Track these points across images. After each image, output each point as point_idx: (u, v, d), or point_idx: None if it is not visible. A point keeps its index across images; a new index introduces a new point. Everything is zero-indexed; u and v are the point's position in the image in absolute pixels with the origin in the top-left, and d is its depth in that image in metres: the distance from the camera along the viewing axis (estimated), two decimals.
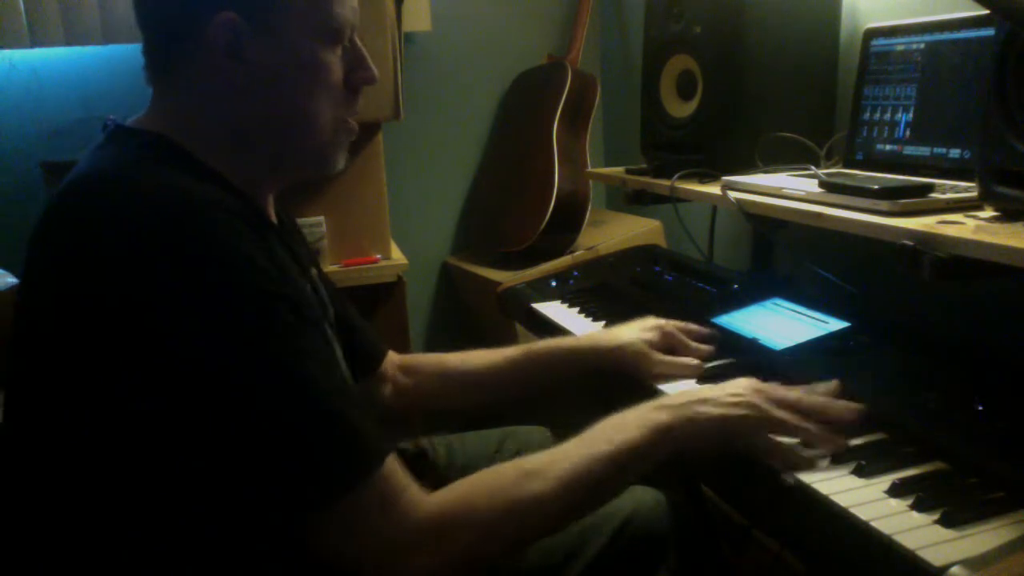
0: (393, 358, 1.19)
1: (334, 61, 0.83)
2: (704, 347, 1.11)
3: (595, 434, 0.83)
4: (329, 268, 1.80)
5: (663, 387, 1.05)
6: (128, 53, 1.78)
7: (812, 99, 1.39)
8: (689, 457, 0.87)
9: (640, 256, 1.63)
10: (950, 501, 0.73)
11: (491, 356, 1.17)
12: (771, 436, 0.85)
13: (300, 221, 1.74)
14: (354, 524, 0.70)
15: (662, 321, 1.15)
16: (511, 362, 1.15)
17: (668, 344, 1.12)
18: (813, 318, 1.14)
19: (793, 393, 0.88)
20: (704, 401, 0.86)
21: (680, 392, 0.91)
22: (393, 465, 0.73)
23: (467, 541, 0.74)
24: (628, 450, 0.81)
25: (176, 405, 0.68)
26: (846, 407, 0.87)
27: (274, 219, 0.91)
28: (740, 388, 0.88)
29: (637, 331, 1.13)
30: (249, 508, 0.72)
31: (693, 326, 1.16)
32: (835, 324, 1.11)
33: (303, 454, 0.69)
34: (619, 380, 1.13)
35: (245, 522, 0.73)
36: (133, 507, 0.72)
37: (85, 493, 0.72)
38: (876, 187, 0.99)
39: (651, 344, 1.11)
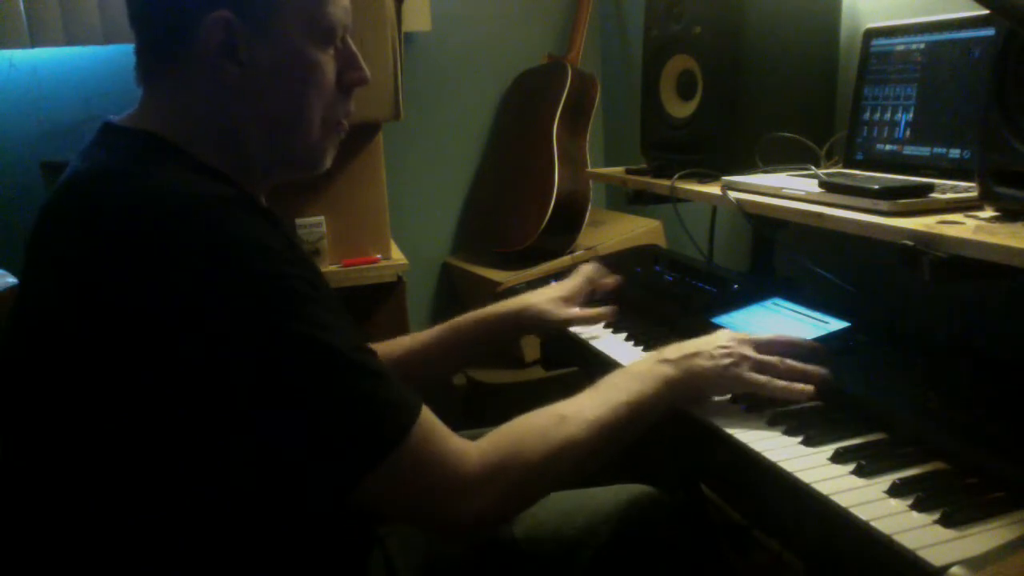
0: None
1: (326, 61, 0.83)
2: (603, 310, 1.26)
3: (612, 384, 0.91)
4: (329, 268, 1.80)
5: None
6: (128, 53, 1.77)
7: (812, 99, 1.39)
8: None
9: (640, 256, 1.63)
10: (950, 501, 0.73)
11: (422, 336, 1.24)
12: (755, 378, 0.94)
13: (300, 221, 1.75)
14: (406, 478, 0.73)
15: (577, 280, 1.30)
16: (438, 338, 1.22)
17: (583, 297, 1.29)
18: (813, 318, 1.14)
19: (767, 335, 1.00)
20: (698, 354, 0.95)
21: (675, 346, 0.97)
22: (430, 417, 0.76)
23: (514, 482, 0.78)
24: (641, 399, 0.89)
25: (211, 390, 0.69)
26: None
27: None
28: (725, 339, 0.98)
29: (545, 293, 1.27)
30: (300, 477, 0.74)
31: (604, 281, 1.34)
32: (835, 324, 1.11)
33: (347, 419, 0.71)
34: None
35: (297, 491, 0.75)
36: (132, 507, 0.72)
37: (87, 491, 0.72)
38: (876, 187, 0.99)
39: (563, 299, 1.25)
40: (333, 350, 0.71)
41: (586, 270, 1.34)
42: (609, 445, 0.86)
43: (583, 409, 0.86)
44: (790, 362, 0.96)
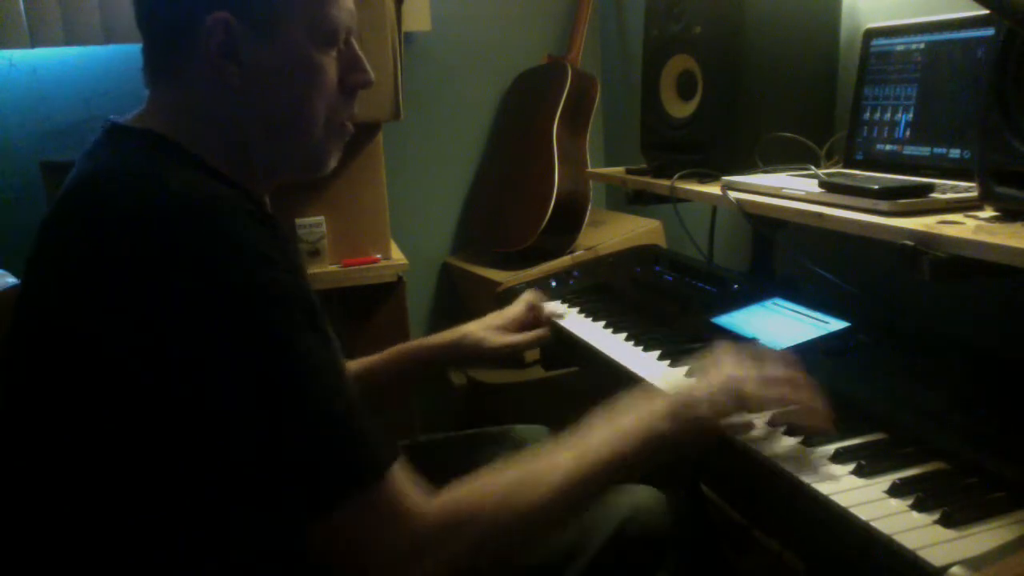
0: None
1: (329, 63, 0.83)
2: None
3: (594, 438, 0.83)
4: (329, 268, 1.80)
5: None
6: (128, 53, 1.78)
7: (812, 99, 1.39)
8: (688, 455, 0.89)
9: (640, 256, 1.63)
10: (950, 501, 0.73)
11: (367, 361, 1.24)
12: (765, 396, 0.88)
13: (300, 221, 1.75)
14: (358, 531, 0.70)
15: (517, 308, 1.31)
16: (382, 365, 1.23)
17: (522, 324, 1.30)
18: (813, 318, 1.14)
19: (771, 359, 0.92)
20: (699, 402, 0.87)
21: (677, 395, 0.89)
22: (398, 472, 0.72)
23: (469, 548, 0.74)
24: (625, 459, 0.82)
25: (196, 395, 0.68)
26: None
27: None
28: (726, 375, 0.89)
29: (483, 322, 1.28)
30: (249, 510, 0.71)
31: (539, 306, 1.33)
32: (835, 324, 1.11)
33: (306, 455, 0.69)
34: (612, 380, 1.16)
35: (245, 525, 0.73)
36: (127, 508, 0.72)
37: (83, 491, 0.72)
38: (876, 187, 0.99)
39: (500, 327, 1.27)
40: (305, 380, 0.69)
41: (526, 297, 1.34)
42: (585, 501, 0.83)
43: (554, 471, 0.79)
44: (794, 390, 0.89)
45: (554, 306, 1.37)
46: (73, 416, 0.71)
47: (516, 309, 1.31)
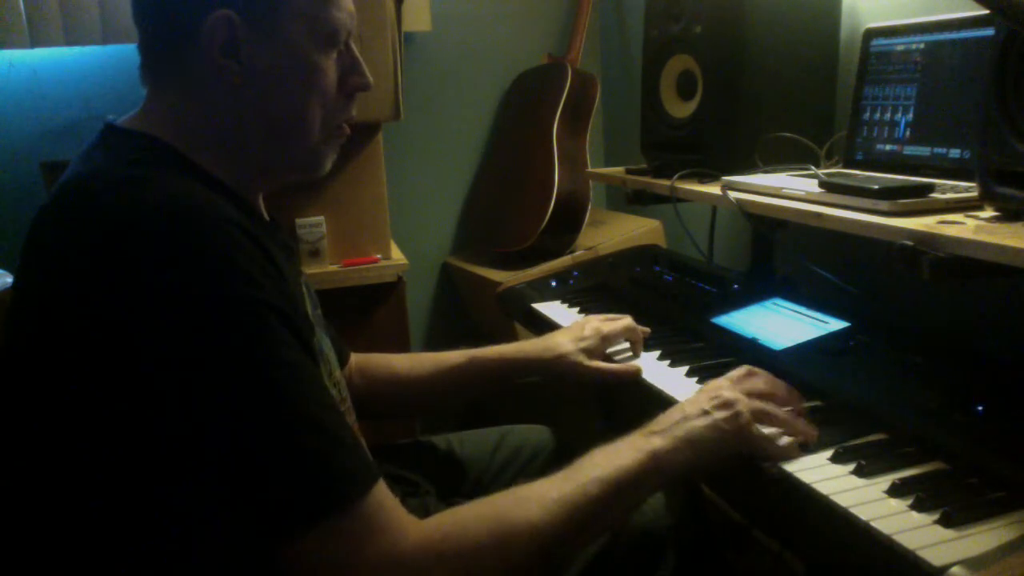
0: (352, 359, 1.18)
1: (329, 65, 0.83)
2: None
3: (587, 460, 0.83)
4: (329, 268, 1.80)
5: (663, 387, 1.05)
6: (128, 53, 1.77)
7: (812, 99, 1.39)
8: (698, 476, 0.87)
9: (640, 256, 1.63)
10: (950, 501, 0.73)
11: (437, 362, 1.19)
12: (757, 429, 0.87)
13: (300, 221, 1.75)
14: (338, 552, 0.68)
15: (603, 326, 1.19)
16: (456, 369, 1.18)
17: (604, 348, 1.18)
18: (813, 318, 1.14)
19: (762, 380, 0.93)
20: (687, 417, 0.87)
21: (662, 416, 0.89)
22: (381, 490, 0.71)
23: (457, 567, 0.72)
24: (622, 474, 0.81)
25: (156, 413, 0.67)
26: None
27: (266, 218, 0.91)
28: (718, 390, 0.90)
29: (575, 339, 1.17)
30: (223, 529, 0.70)
31: (634, 328, 1.21)
32: (835, 324, 1.11)
33: (281, 472, 0.67)
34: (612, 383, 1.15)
35: (219, 544, 0.71)
36: (106, 511, 0.71)
37: (64, 490, 0.72)
38: (876, 187, 0.99)
39: (588, 351, 1.16)
40: (282, 396, 0.68)
41: (627, 323, 1.21)
42: (585, 522, 0.79)
43: (547, 489, 0.78)
44: (784, 412, 0.90)
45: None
46: (54, 416, 0.71)
47: (612, 327, 1.19)
